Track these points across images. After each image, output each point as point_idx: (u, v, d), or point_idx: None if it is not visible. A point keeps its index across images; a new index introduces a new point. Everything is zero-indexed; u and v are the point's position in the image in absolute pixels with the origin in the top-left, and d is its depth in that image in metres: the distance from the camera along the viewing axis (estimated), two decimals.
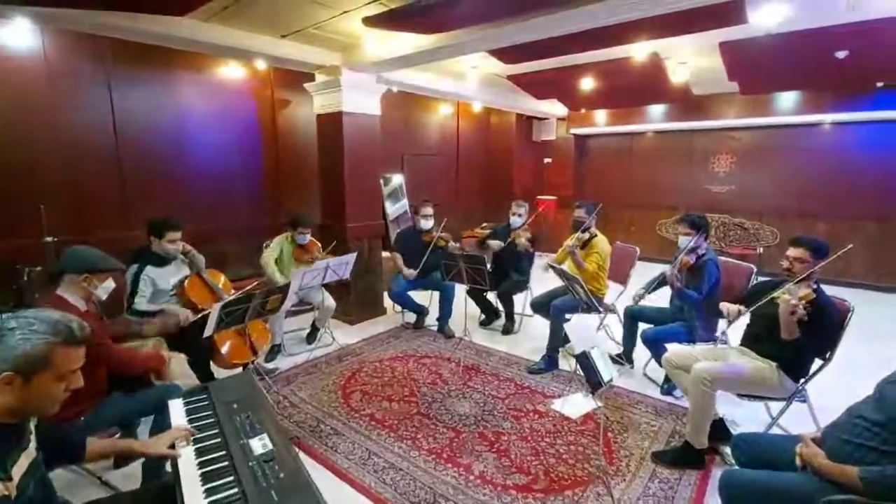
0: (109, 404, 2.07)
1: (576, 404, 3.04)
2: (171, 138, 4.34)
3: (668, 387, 3.21)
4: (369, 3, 3.07)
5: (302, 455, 2.36)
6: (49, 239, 3.39)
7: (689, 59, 4.67)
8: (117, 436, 2.21)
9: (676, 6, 2.61)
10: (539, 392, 3.27)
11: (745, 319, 2.66)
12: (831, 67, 4.32)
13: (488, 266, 3.79)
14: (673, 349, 2.92)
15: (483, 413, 2.99)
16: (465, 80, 5.44)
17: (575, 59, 4.65)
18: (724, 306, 2.58)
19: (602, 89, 5.55)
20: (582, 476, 2.38)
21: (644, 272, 4.14)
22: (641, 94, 6.11)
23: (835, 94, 5.70)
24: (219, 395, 1.76)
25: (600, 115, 7.58)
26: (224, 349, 2.87)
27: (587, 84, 5.34)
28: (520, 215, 4.34)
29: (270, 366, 3.63)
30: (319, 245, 4.09)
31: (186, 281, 2.94)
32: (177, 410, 1.70)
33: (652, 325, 3.31)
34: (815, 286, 2.28)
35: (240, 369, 2.92)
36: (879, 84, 5.31)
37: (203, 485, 1.32)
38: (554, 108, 7.48)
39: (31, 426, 1.26)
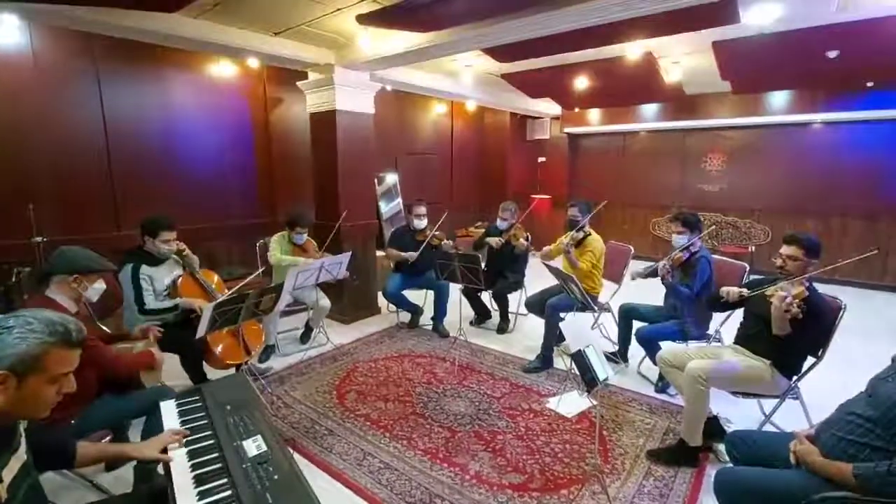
0: (100, 406, 2.04)
1: (571, 403, 3.05)
2: (162, 137, 4.30)
3: (662, 385, 3.22)
4: (363, 1, 3.05)
5: (297, 456, 2.35)
6: (38, 239, 3.34)
7: (682, 59, 4.70)
8: (108, 438, 2.17)
9: (669, 5, 2.62)
10: (534, 391, 3.28)
11: (739, 318, 2.67)
12: (822, 67, 4.36)
13: (483, 265, 3.78)
14: (667, 347, 2.94)
15: (478, 412, 2.98)
16: (459, 78, 5.44)
17: (569, 57, 4.65)
18: (725, 289, 2.58)
19: (596, 88, 5.56)
20: (577, 475, 2.38)
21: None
22: (635, 93, 6.13)
23: (826, 94, 5.76)
24: (212, 396, 1.74)
25: (594, 115, 7.60)
26: (217, 350, 2.84)
27: (581, 83, 5.35)
28: (504, 219, 4.33)
29: (264, 366, 3.61)
30: (315, 244, 4.07)
31: (179, 280, 2.90)
32: (169, 412, 1.68)
33: (646, 324, 3.32)
34: (807, 284, 2.30)
35: (233, 370, 2.90)
36: (869, 84, 5.36)
37: (196, 487, 1.30)
38: (548, 107, 7.50)
39: (22, 429, 1.23)
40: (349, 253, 3.86)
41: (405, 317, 4.64)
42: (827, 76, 4.97)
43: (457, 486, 2.30)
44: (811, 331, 2.23)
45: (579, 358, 2.18)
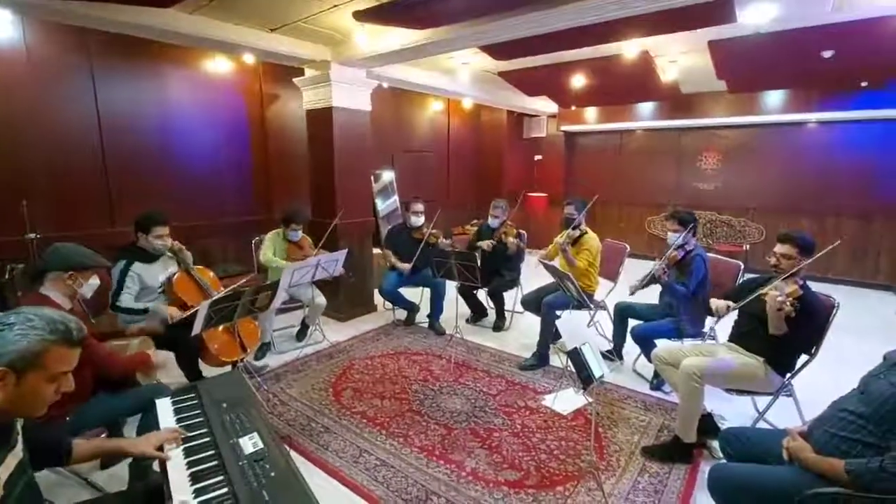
0: (95, 404, 2.03)
1: (567, 400, 3.07)
2: (157, 133, 4.27)
3: (657, 382, 3.24)
4: None
5: (293, 454, 2.34)
6: (32, 235, 3.31)
7: (679, 58, 4.71)
8: (103, 436, 2.17)
9: (665, 4, 2.63)
10: (530, 388, 3.29)
11: (733, 316, 2.69)
12: (817, 67, 4.39)
13: (478, 263, 3.78)
14: (662, 345, 2.96)
15: (474, 409, 2.99)
16: (456, 76, 5.43)
17: (565, 56, 4.66)
18: (714, 303, 2.61)
19: (592, 87, 5.57)
20: (573, 471, 2.40)
21: (633, 269, 4.18)
22: (631, 91, 6.15)
23: (820, 94, 5.80)
24: (208, 393, 1.73)
25: (590, 113, 7.61)
26: (213, 347, 2.83)
27: (578, 81, 5.35)
28: (496, 216, 4.33)
29: (260, 364, 3.60)
30: (311, 241, 4.06)
31: (175, 278, 2.89)
32: (165, 410, 1.68)
33: (642, 322, 3.34)
34: (801, 282, 2.31)
35: (229, 368, 2.89)
36: (864, 84, 5.40)
37: (192, 485, 1.30)
38: (544, 105, 7.50)
39: (19, 427, 1.23)
40: (345, 250, 3.85)
41: (401, 314, 4.64)
42: (822, 76, 5.00)
43: (453, 482, 2.31)
44: (805, 329, 2.25)
45: (575, 355, 2.19)
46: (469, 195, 7.99)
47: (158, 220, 2.81)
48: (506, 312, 4.52)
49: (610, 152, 7.94)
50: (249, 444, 1.42)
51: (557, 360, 3.60)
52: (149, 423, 1.89)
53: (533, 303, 3.89)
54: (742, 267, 3.21)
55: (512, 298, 4.50)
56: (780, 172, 6.46)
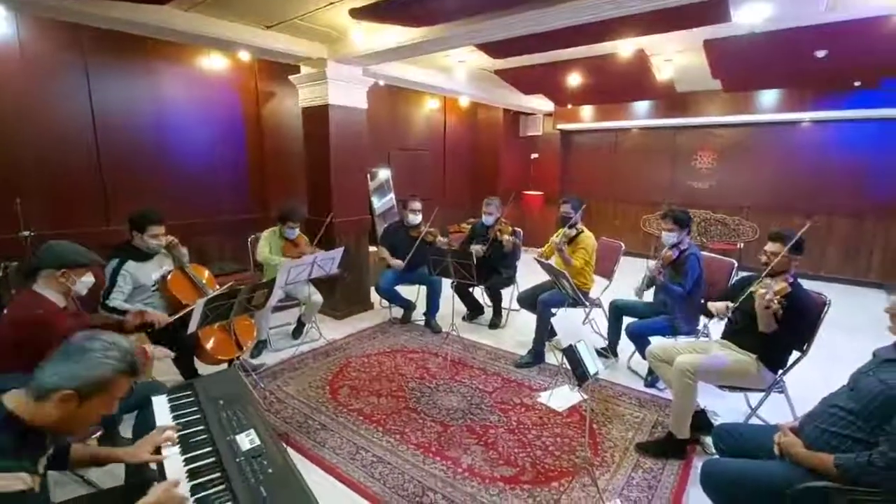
0: None
1: (562, 397, 3.09)
2: (151, 130, 4.25)
3: (651, 379, 3.27)
4: None
5: (290, 451, 2.35)
6: (26, 233, 3.29)
7: (674, 57, 4.73)
8: (99, 433, 2.16)
9: (660, 4, 2.64)
10: (526, 385, 3.31)
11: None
12: (811, 66, 4.42)
13: (475, 261, 3.79)
14: (656, 342, 2.98)
15: (470, 407, 3.01)
16: (453, 74, 5.43)
17: (562, 54, 4.67)
18: (713, 306, 2.63)
19: (588, 85, 5.58)
20: (568, 467, 2.42)
21: (628, 267, 4.21)
22: (627, 90, 6.17)
23: (814, 93, 5.83)
24: (204, 391, 1.74)
25: (586, 111, 7.63)
26: (209, 345, 2.83)
27: (574, 80, 5.37)
28: (490, 213, 4.33)
29: (256, 361, 3.60)
30: (307, 239, 4.06)
31: (169, 276, 2.88)
32: (161, 407, 1.68)
33: (636, 319, 3.36)
34: (791, 280, 2.34)
35: (225, 365, 2.89)
36: (856, 83, 5.44)
37: (189, 481, 1.31)
38: (541, 103, 7.51)
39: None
40: (342, 248, 3.85)
41: (398, 312, 4.64)
42: (815, 75, 5.04)
43: (449, 479, 2.32)
44: (794, 326, 2.28)
45: (570, 353, 2.20)
46: (465, 193, 7.99)
47: (154, 218, 2.79)
48: (502, 310, 4.54)
49: (606, 151, 7.96)
50: (246, 440, 1.43)
51: (553, 357, 3.62)
52: (145, 420, 1.88)
53: (529, 300, 3.91)
54: (735, 265, 3.24)
55: (508, 296, 4.52)
56: (774, 171, 6.50)
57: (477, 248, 4.25)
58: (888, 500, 1.40)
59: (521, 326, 4.41)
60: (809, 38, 3.75)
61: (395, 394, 3.17)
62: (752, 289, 2.37)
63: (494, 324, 4.48)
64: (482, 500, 2.18)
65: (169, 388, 1.84)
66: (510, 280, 4.46)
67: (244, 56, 4.45)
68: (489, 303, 4.58)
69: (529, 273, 4.36)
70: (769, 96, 6.12)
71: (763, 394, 2.54)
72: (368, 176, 5.83)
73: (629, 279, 3.39)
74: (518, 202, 5.12)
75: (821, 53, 4.04)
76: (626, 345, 3.47)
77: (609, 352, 3.64)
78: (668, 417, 2.70)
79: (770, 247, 2.44)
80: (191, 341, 2.74)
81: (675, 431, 2.47)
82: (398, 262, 4.26)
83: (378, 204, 6.22)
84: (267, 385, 3.27)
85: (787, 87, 5.94)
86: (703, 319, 3.23)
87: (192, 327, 2.50)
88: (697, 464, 2.36)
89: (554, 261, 3.80)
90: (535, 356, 3.64)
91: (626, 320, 3.45)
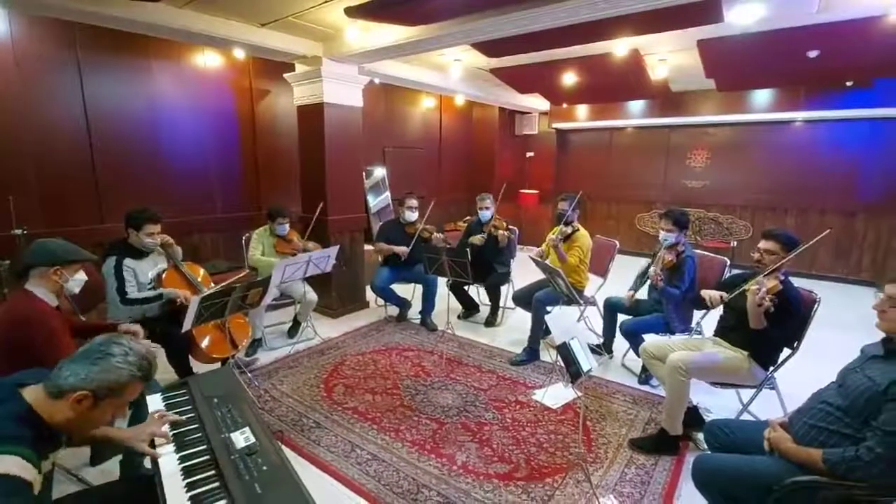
0: None
1: (556, 394, 3.11)
2: (145, 128, 4.22)
3: (645, 377, 3.30)
4: None
5: (285, 449, 2.35)
6: (18, 231, 3.27)
7: (669, 56, 4.76)
8: None
9: (655, 4, 2.65)
10: (521, 383, 3.33)
11: (719, 311, 2.74)
12: (803, 66, 4.45)
13: (469, 259, 3.80)
14: (650, 340, 3.00)
15: (465, 404, 3.02)
16: (448, 72, 5.43)
17: (557, 53, 4.68)
18: (707, 293, 2.65)
19: (583, 84, 5.60)
20: (562, 463, 2.44)
21: (623, 265, 4.24)
22: (622, 89, 6.18)
23: (807, 93, 5.88)
24: (198, 389, 1.74)
25: (581, 110, 7.65)
26: (203, 343, 2.83)
27: (569, 79, 5.38)
28: (487, 208, 4.35)
29: (251, 360, 3.59)
30: (299, 234, 4.06)
31: (164, 274, 2.88)
32: (155, 406, 1.68)
33: (630, 317, 3.38)
34: (782, 278, 2.37)
35: (219, 364, 2.89)
36: (848, 83, 5.50)
37: (184, 479, 1.31)
38: (536, 102, 7.52)
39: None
40: (337, 246, 3.86)
41: (393, 310, 4.65)
42: (808, 75, 5.08)
43: (444, 476, 2.34)
44: (785, 323, 2.30)
45: (564, 350, 2.22)
46: (461, 191, 8.00)
47: (151, 217, 2.79)
48: (499, 308, 4.55)
49: (601, 150, 7.99)
50: (241, 438, 1.44)
51: (547, 355, 3.64)
52: (139, 418, 1.89)
53: (524, 298, 3.93)
54: (727, 263, 3.27)
55: (503, 294, 4.53)
56: (767, 170, 6.55)
57: (476, 238, 4.27)
58: (874, 494, 1.43)
59: (515, 324, 4.43)
60: (802, 39, 3.78)
61: (390, 392, 3.18)
62: (744, 286, 2.39)
63: (490, 322, 4.49)
64: (477, 497, 2.19)
65: (163, 387, 1.84)
66: (506, 277, 4.47)
67: (239, 54, 4.43)
68: (487, 301, 4.60)
69: (525, 271, 4.38)
70: (762, 96, 6.17)
71: (754, 390, 2.56)
72: (364, 174, 5.82)
73: (624, 277, 3.41)
74: (507, 196, 5.10)
75: (813, 54, 4.07)
76: (620, 343, 3.49)
77: (603, 349, 3.66)
78: (661, 414, 2.72)
79: (763, 245, 2.47)
80: (185, 339, 2.73)
81: (668, 428, 2.50)
82: (403, 249, 4.25)
83: (373, 202, 6.22)
84: (262, 383, 3.27)
85: (780, 87, 5.99)
86: (696, 317, 3.26)
87: (186, 325, 2.50)
88: (690, 459, 2.40)
89: (549, 258, 3.82)
90: (530, 354, 3.66)
91: (621, 318, 3.48)
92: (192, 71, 4.52)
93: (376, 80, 5.25)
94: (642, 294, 3.48)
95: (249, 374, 3.31)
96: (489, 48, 4.19)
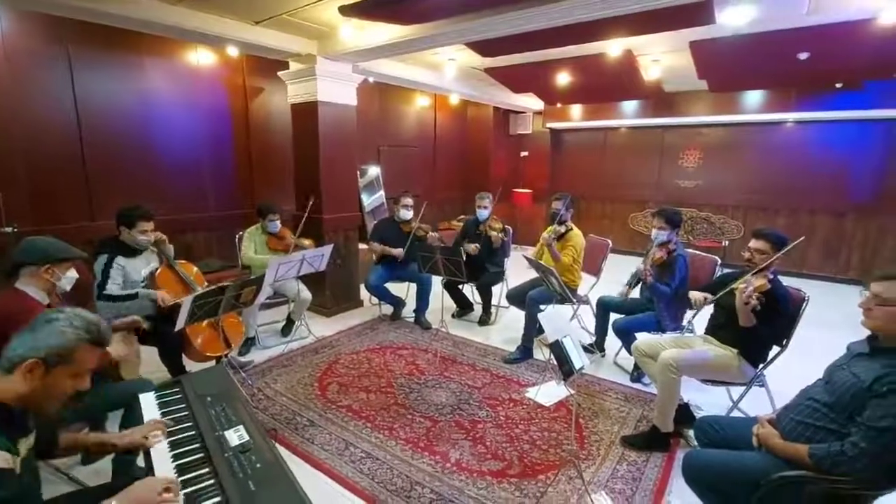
0: (76, 399, 2.00)
1: (549, 392, 3.13)
2: (137, 125, 4.20)
3: (637, 374, 3.33)
4: None
5: (279, 447, 2.35)
6: (9, 229, 3.24)
7: (661, 57, 4.79)
8: (85, 430, 2.15)
9: (651, 5, 2.68)
10: (514, 381, 3.34)
11: (710, 310, 2.78)
12: (794, 68, 4.51)
13: (464, 257, 3.82)
14: (642, 338, 3.03)
15: (459, 402, 3.04)
16: (443, 72, 5.43)
17: (551, 54, 4.70)
18: (692, 295, 2.69)
19: (577, 84, 5.63)
20: (554, 460, 2.46)
21: (616, 264, 4.27)
22: (615, 89, 6.22)
23: (797, 94, 5.95)
24: (192, 388, 1.74)
25: (575, 110, 7.69)
26: (197, 342, 2.82)
27: (563, 79, 5.41)
28: (485, 207, 4.37)
29: (244, 359, 3.59)
30: (290, 231, 4.05)
31: (157, 272, 2.86)
32: (149, 404, 1.68)
33: (623, 316, 3.41)
34: (771, 277, 2.40)
35: (213, 362, 2.88)
36: (838, 85, 5.57)
37: (178, 476, 1.31)
38: (530, 101, 7.55)
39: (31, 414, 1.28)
40: (331, 245, 3.85)
41: (387, 309, 4.65)
42: (798, 77, 5.14)
43: (437, 473, 2.35)
44: (774, 322, 2.34)
45: (557, 348, 2.23)
46: (455, 190, 8.02)
47: (144, 215, 2.77)
48: (491, 307, 4.57)
49: (595, 149, 8.03)
50: (235, 436, 1.44)
51: (541, 353, 3.67)
52: (132, 418, 1.88)
53: (518, 297, 3.95)
54: (718, 262, 3.30)
55: (497, 293, 4.55)
56: (758, 170, 6.62)
57: (469, 248, 4.28)
58: (858, 488, 1.46)
59: (509, 323, 4.45)
60: (792, 41, 3.82)
61: (384, 390, 3.18)
62: (734, 285, 2.43)
63: (484, 320, 4.51)
64: (470, 494, 2.21)
65: (157, 386, 1.84)
66: (499, 276, 4.49)
67: (232, 51, 4.41)
68: (479, 300, 4.61)
69: (519, 270, 4.40)
70: (754, 97, 6.23)
71: (744, 387, 2.60)
72: (358, 173, 5.81)
73: (616, 276, 3.44)
74: (503, 197, 5.13)
75: (803, 55, 4.12)
76: (612, 341, 3.52)
77: (596, 347, 3.69)
78: (652, 411, 2.75)
79: (753, 244, 2.50)
80: (178, 338, 2.72)
81: (660, 425, 2.53)
82: (399, 251, 4.26)
83: (368, 201, 6.21)
84: (255, 382, 3.26)
85: (771, 88, 6.05)
86: (687, 315, 3.29)
87: (179, 324, 2.49)
88: (680, 456, 2.43)
89: (543, 257, 3.84)
90: (524, 352, 3.68)
91: (613, 317, 3.51)
92: (185, 68, 4.49)
93: (370, 79, 5.24)
94: (635, 293, 3.51)
95: (243, 373, 3.30)
96: (483, 48, 4.20)
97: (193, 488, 1.28)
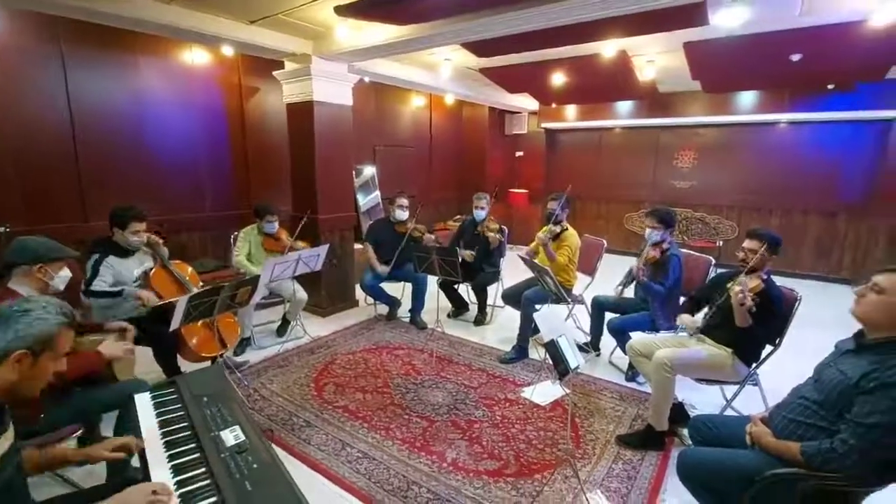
0: (70, 400, 2.00)
1: (545, 392, 3.14)
2: (131, 125, 4.17)
3: (632, 374, 3.35)
4: None
5: (275, 448, 2.35)
6: (1, 229, 3.22)
7: (656, 58, 4.82)
8: (79, 432, 2.14)
9: (646, 6, 2.69)
10: (510, 381, 3.35)
11: (704, 309, 2.80)
12: (786, 69, 4.54)
13: (460, 258, 3.83)
14: (636, 337, 3.05)
15: (455, 402, 3.04)
16: (438, 72, 5.43)
17: (546, 54, 4.71)
18: (682, 319, 2.72)
19: (572, 85, 5.65)
20: (550, 460, 2.47)
21: (611, 264, 4.28)
22: (610, 90, 6.25)
23: (790, 95, 6.00)
24: (187, 388, 1.73)
25: (570, 111, 7.71)
26: (192, 342, 2.81)
27: (558, 79, 5.42)
28: (482, 207, 4.38)
29: (240, 359, 3.58)
30: (287, 233, 4.04)
31: (152, 272, 2.85)
32: (144, 405, 1.67)
33: (618, 315, 3.43)
34: (765, 277, 2.42)
35: (208, 363, 2.87)
36: (830, 86, 5.62)
37: (174, 477, 1.31)
38: (525, 102, 7.56)
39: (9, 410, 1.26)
40: (327, 245, 3.85)
41: (383, 309, 4.65)
42: (791, 78, 5.18)
43: (434, 473, 2.35)
44: (767, 321, 2.36)
45: (552, 347, 2.25)
46: (451, 191, 8.02)
47: (136, 215, 2.75)
48: (487, 307, 4.58)
49: (590, 149, 8.06)
50: (231, 436, 1.44)
51: (536, 353, 3.68)
52: (127, 419, 1.87)
53: (513, 297, 3.96)
54: (713, 262, 3.33)
55: (492, 293, 4.56)
56: (752, 171, 6.67)
57: (465, 254, 4.27)
58: (849, 485, 1.48)
59: (505, 323, 4.46)
60: (785, 42, 3.86)
61: (380, 390, 3.18)
62: (728, 285, 2.44)
63: (479, 320, 4.52)
64: (467, 494, 2.21)
65: (151, 386, 1.83)
66: (495, 277, 4.50)
67: (227, 51, 4.39)
68: (474, 300, 4.62)
69: (514, 270, 4.41)
70: (747, 98, 6.27)
71: (738, 386, 2.62)
72: (353, 173, 5.81)
73: (611, 276, 3.45)
74: (501, 198, 5.15)
75: (796, 57, 4.16)
76: (607, 340, 3.54)
77: (591, 347, 3.71)
78: (647, 410, 2.77)
79: (747, 244, 2.52)
80: (173, 338, 2.71)
81: (654, 424, 2.54)
82: (384, 268, 4.27)
83: (363, 201, 6.21)
84: (251, 382, 3.25)
85: (765, 89, 6.10)
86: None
87: (174, 324, 2.48)
88: (675, 454, 2.44)
89: (538, 257, 3.85)
90: (519, 352, 3.69)
91: (608, 316, 3.52)
92: (179, 67, 4.47)
93: (366, 79, 5.24)
94: (629, 293, 3.53)
95: (239, 374, 3.29)
96: (479, 48, 4.21)
97: (189, 488, 1.27)
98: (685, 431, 2.51)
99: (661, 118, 6.99)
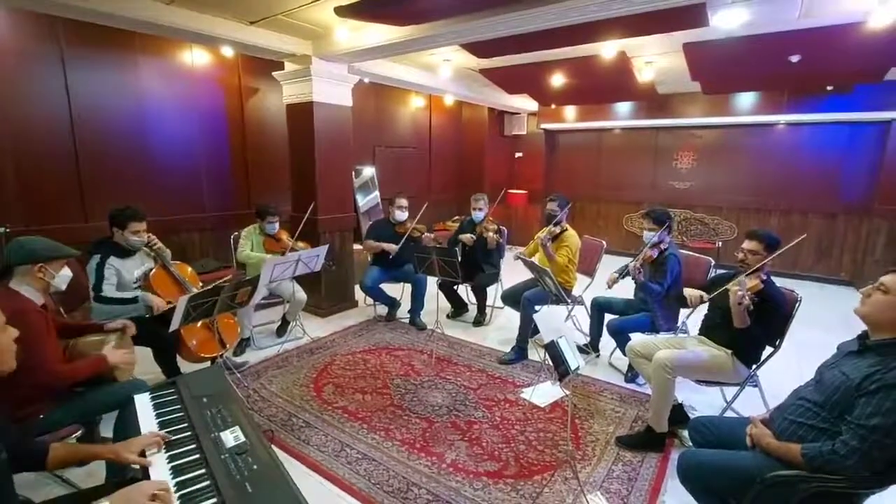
0: (70, 401, 2.00)
1: (545, 393, 3.14)
2: (131, 125, 4.17)
3: (631, 375, 3.34)
4: None
5: (274, 448, 2.34)
6: (1, 230, 3.21)
7: (655, 59, 4.82)
8: (79, 433, 2.13)
9: (645, 7, 2.70)
10: (510, 382, 3.35)
11: (704, 310, 2.80)
12: (786, 71, 4.55)
13: (459, 259, 3.83)
14: (636, 338, 3.05)
15: (455, 403, 3.04)
16: (438, 72, 5.44)
17: (546, 55, 4.72)
18: (688, 292, 2.70)
19: (572, 86, 5.65)
20: (550, 461, 2.47)
21: (610, 265, 4.27)
22: (609, 91, 6.26)
23: (789, 96, 6.01)
24: (187, 388, 1.73)
25: (570, 111, 7.72)
26: (192, 343, 2.81)
27: (557, 80, 5.43)
28: (480, 209, 4.38)
29: (240, 360, 3.57)
30: (288, 233, 4.04)
31: (152, 273, 2.84)
32: (143, 405, 1.67)
33: (617, 316, 3.43)
34: (764, 277, 2.42)
35: (208, 363, 2.87)
36: (829, 88, 5.63)
37: (174, 478, 1.30)
38: (525, 103, 7.57)
39: None
40: (326, 245, 3.85)
41: (382, 310, 4.65)
42: (790, 79, 5.19)
43: (434, 474, 2.35)
44: (767, 322, 2.36)
45: (552, 348, 2.25)
46: (450, 191, 8.02)
47: (135, 216, 2.75)
48: (486, 307, 4.58)
49: (589, 150, 8.06)
50: (231, 437, 1.43)
51: (536, 354, 3.68)
52: (126, 419, 1.87)
53: (512, 298, 3.96)
54: (712, 263, 3.33)
55: (492, 293, 4.56)
56: (751, 172, 6.67)
57: (465, 237, 4.30)
58: (850, 487, 1.48)
59: (504, 323, 4.46)
60: (784, 44, 3.86)
61: (379, 391, 3.18)
62: (727, 286, 2.44)
63: (479, 321, 4.52)
64: (466, 495, 2.21)
65: (151, 387, 1.83)
66: (494, 277, 4.50)
67: (227, 51, 4.39)
68: (474, 301, 4.62)
69: (514, 271, 4.41)
70: (746, 99, 6.28)
71: (738, 388, 2.62)
72: (353, 173, 5.81)
73: (612, 274, 3.44)
74: (503, 200, 5.15)
75: (795, 58, 4.16)
76: (607, 341, 3.54)
77: (590, 348, 3.71)
78: (647, 412, 2.77)
79: (746, 244, 2.52)
80: (173, 339, 2.71)
81: (654, 425, 2.54)
82: (392, 246, 4.24)
83: (363, 201, 6.20)
84: (250, 383, 3.25)
85: (764, 91, 6.11)
86: (681, 316, 3.31)
87: (174, 325, 2.48)
88: (675, 456, 2.44)
89: (537, 258, 3.85)
90: (519, 353, 3.69)
91: (608, 317, 3.52)
92: (179, 67, 4.47)
93: (366, 80, 5.24)
94: (629, 293, 3.53)
95: (238, 374, 3.29)
96: (479, 49, 4.21)
97: (190, 489, 1.27)
98: (685, 433, 2.51)
99: (660, 119, 6.99)
